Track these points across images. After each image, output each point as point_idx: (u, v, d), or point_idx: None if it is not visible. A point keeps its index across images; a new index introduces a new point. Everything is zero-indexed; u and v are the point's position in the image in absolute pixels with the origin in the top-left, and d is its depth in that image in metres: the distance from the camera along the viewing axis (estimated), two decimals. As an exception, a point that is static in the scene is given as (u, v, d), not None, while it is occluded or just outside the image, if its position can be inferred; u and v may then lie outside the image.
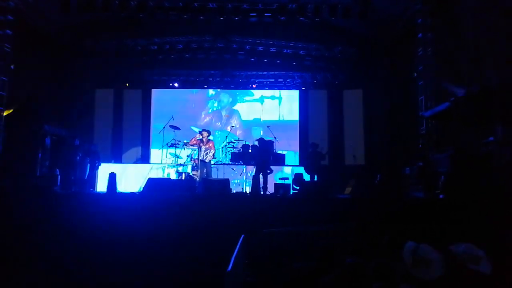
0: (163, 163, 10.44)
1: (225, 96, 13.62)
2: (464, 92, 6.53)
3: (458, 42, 7.64)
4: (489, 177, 5.96)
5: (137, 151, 13.00)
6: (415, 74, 9.15)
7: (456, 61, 7.71)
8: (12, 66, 8.86)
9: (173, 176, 9.53)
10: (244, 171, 10.33)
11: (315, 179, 9.53)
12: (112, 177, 7.55)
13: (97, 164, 9.85)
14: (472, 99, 6.32)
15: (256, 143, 8.80)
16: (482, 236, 3.95)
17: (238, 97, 13.57)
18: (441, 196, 6.47)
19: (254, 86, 13.42)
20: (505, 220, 4.58)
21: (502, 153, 5.98)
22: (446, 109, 7.03)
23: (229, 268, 2.49)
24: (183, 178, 9.02)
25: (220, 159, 10.35)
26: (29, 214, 5.82)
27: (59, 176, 8.78)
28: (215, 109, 13.53)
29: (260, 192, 7.86)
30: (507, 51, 6.18)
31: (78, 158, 9.42)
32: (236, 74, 13.15)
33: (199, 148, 9.01)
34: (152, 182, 7.29)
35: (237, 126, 13.15)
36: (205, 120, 13.34)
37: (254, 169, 8.56)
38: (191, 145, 9.28)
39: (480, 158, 6.28)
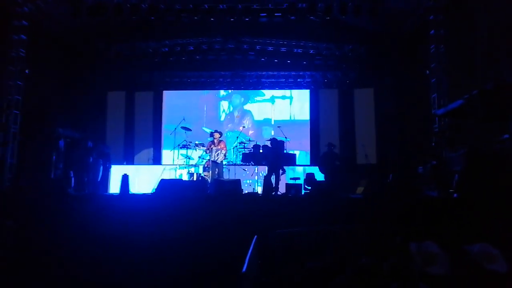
0: (175, 164, 10.51)
1: (237, 96, 13.66)
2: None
3: (472, 38, 7.54)
4: (504, 175, 5.86)
5: (149, 152, 13.11)
6: (428, 71, 9.04)
7: (470, 57, 7.60)
8: (27, 71, 9.02)
9: (185, 177, 9.59)
10: (256, 171, 10.33)
11: (327, 179, 9.48)
12: (125, 178, 7.62)
13: (107, 166, 9.96)
14: (486, 95, 6.22)
15: (268, 143, 8.80)
16: (497, 235, 3.89)
17: (249, 97, 13.59)
18: (455, 195, 6.38)
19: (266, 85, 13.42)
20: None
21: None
22: (459, 106, 6.93)
23: (244, 269, 2.50)
24: (194, 179, 9.07)
25: (232, 160, 10.38)
26: (43, 216, 5.91)
27: (73, 178, 8.90)
28: (229, 111, 13.57)
29: (272, 192, 7.86)
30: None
31: (91, 160, 9.54)
32: (246, 75, 13.17)
33: (211, 149, 9.05)
34: (164, 184, 7.33)
35: (249, 126, 13.17)
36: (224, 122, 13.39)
37: (266, 169, 8.56)
38: (207, 150, 9.33)
39: (495, 156, 6.18)
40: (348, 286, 2.43)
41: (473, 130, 7.19)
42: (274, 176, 8.36)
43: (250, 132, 13.04)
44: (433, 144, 8.58)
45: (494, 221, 4.75)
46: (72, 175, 9.19)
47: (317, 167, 10.01)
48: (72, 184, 8.68)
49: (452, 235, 4.26)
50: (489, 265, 2.42)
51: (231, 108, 13.61)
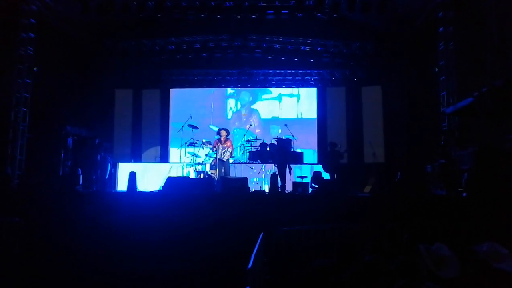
0: (182, 162, 10.52)
1: (245, 94, 13.63)
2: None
3: (481, 35, 7.44)
4: (514, 174, 5.78)
5: (156, 150, 13.14)
6: (436, 69, 8.95)
7: (479, 55, 7.50)
8: (35, 69, 9.09)
9: (192, 175, 9.60)
10: (263, 169, 10.31)
11: (334, 178, 9.44)
12: (132, 176, 7.64)
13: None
14: (496, 93, 6.13)
15: (274, 141, 8.78)
16: (506, 234, 3.84)
17: (258, 96, 13.57)
18: (464, 194, 6.31)
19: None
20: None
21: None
22: (469, 104, 6.84)
23: (250, 265, 2.49)
24: (201, 177, 9.07)
25: (238, 158, 10.37)
26: (52, 213, 5.96)
27: (81, 175, 8.96)
28: (236, 109, 13.57)
29: (279, 190, 7.84)
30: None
31: (98, 157, 9.59)
32: (253, 73, 13.13)
33: (217, 147, 9.06)
34: (171, 181, 7.36)
35: (256, 125, 13.15)
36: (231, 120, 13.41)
37: (274, 167, 8.55)
38: (213, 148, 9.34)
39: (504, 155, 6.10)
40: (353, 283, 2.41)
41: (483, 128, 7.09)
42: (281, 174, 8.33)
43: (257, 130, 13.01)
44: (442, 142, 8.49)
45: (504, 220, 4.69)
46: (80, 172, 9.25)
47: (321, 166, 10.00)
48: (80, 182, 8.74)
49: (461, 235, 4.21)
50: (497, 264, 2.39)
51: (239, 106, 13.60)
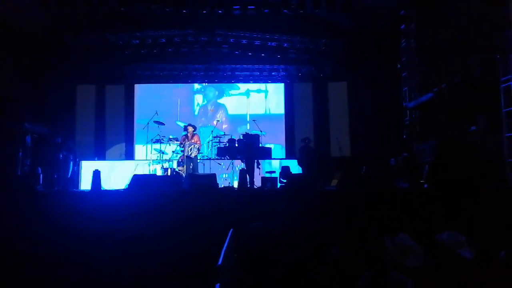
0: (148, 159, 10.32)
1: (211, 90, 13.53)
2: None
3: (441, 33, 7.72)
4: (472, 166, 6.06)
5: (121, 147, 12.83)
6: (399, 65, 9.23)
7: (440, 52, 7.79)
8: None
9: (159, 172, 9.44)
10: (231, 165, 10.29)
11: (302, 172, 9.56)
12: (96, 174, 7.41)
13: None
14: (455, 89, 6.40)
15: (242, 137, 8.77)
16: (465, 224, 4.02)
17: (224, 91, 13.49)
18: (425, 185, 6.55)
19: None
20: (487, 209, 4.66)
21: (485, 142, 6.08)
22: (429, 99, 7.10)
23: (220, 262, 2.48)
24: (169, 174, 8.94)
25: (206, 154, 10.29)
26: (11, 214, 5.69)
27: (41, 174, 8.60)
28: (202, 104, 13.43)
29: (247, 186, 7.85)
30: (490, 40, 6.26)
31: (60, 156, 9.24)
32: (220, 68, 13.04)
33: (184, 144, 8.94)
34: (137, 179, 7.19)
35: (223, 120, 13.08)
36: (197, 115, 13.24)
37: (242, 163, 8.54)
38: (181, 144, 9.21)
39: (463, 148, 6.38)
40: (322, 278, 2.45)
41: (442, 122, 7.39)
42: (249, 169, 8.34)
43: (224, 126, 12.96)
44: (404, 136, 8.78)
45: (462, 211, 4.91)
46: (40, 171, 8.88)
47: (293, 160, 10.08)
48: (41, 181, 8.38)
49: (424, 225, 4.37)
50: (458, 250, 2.52)
51: (205, 102, 13.47)
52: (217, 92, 13.48)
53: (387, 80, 10.39)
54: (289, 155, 12.52)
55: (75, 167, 9.77)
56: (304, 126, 12.69)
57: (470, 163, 6.06)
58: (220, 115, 13.17)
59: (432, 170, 6.55)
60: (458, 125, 6.87)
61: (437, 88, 6.86)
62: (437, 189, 6.00)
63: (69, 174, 9.41)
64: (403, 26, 8.93)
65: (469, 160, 6.08)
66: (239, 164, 9.97)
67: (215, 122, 12.05)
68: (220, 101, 13.45)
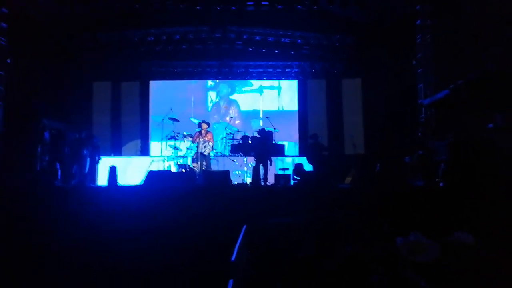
0: (163, 155, 10.43)
1: (224, 86, 13.57)
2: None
3: (458, 28, 7.59)
4: (488, 164, 5.96)
5: (136, 143, 12.98)
6: (414, 61, 9.10)
7: (456, 47, 7.67)
8: (8, 60, 8.80)
9: (174, 169, 9.54)
10: (245, 162, 10.33)
11: (316, 170, 9.54)
12: (113, 170, 7.55)
13: (97, 158, 9.83)
14: (471, 85, 6.29)
15: (256, 134, 8.80)
16: (481, 224, 3.97)
17: (237, 87, 13.52)
18: (441, 184, 6.48)
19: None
20: (504, 208, 4.60)
21: (502, 140, 5.98)
22: (445, 96, 7.00)
23: (233, 258, 2.51)
24: (183, 170, 9.03)
25: (220, 151, 10.34)
26: (30, 209, 5.83)
27: (59, 170, 8.78)
28: (215, 101, 13.49)
29: (261, 183, 7.88)
30: (508, 36, 6.14)
31: (78, 151, 9.41)
32: (234, 65, 13.06)
33: (198, 140, 9.02)
34: (152, 175, 7.31)
35: (236, 116, 13.12)
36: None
37: (255, 160, 8.57)
38: (194, 140, 9.28)
39: (479, 145, 6.28)
40: (335, 275, 2.46)
41: (458, 120, 7.28)
42: (263, 167, 8.37)
43: (237, 122, 12.99)
44: (419, 134, 8.68)
45: (479, 210, 4.84)
46: (58, 167, 9.06)
47: (305, 158, 10.05)
48: (59, 176, 8.56)
49: (438, 224, 4.33)
50: (471, 249, 2.50)
51: (218, 99, 13.53)
52: (229, 89, 13.52)
53: (402, 77, 10.26)
54: (302, 152, 12.48)
55: (96, 164, 9.93)
56: (318, 123, 12.63)
57: (487, 161, 5.97)
58: (232, 111, 13.21)
59: (448, 168, 6.47)
60: (475, 123, 6.76)
61: (453, 84, 6.76)
62: (453, 188, 5.93)
63: (86, 170, 9.58)
64: (418, 22, 8.80)
65: (485, 158, 5.98)
66: (252, 161, 10.03)
67: (228, 119, 12.09)
68: (232, 97, 13.48)
